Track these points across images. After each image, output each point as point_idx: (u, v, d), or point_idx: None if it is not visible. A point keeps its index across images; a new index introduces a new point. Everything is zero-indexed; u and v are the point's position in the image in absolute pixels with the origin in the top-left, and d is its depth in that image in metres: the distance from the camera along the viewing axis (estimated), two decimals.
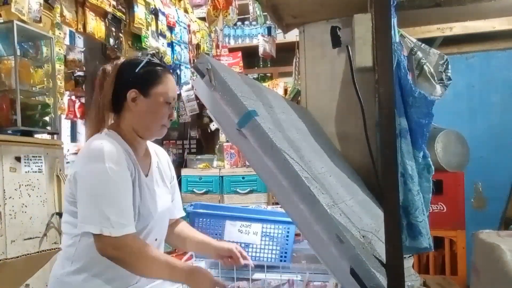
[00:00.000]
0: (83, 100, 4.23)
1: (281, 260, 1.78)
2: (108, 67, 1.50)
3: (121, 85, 1.45)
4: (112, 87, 1.45)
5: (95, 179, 1.34)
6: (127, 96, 1.44)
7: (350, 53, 1.83)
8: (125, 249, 1.31)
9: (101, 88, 1.48)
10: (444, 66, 1.82)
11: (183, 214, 1.74)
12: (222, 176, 4.41)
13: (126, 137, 1.46)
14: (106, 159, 1.34)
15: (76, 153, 3.95)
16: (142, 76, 1.45)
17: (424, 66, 1.80)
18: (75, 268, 1.40)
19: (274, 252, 1.78)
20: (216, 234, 1.81)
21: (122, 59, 1.54)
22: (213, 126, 4.99)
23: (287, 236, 1.79)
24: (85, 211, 1.34)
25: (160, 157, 1.63)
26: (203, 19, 4.77)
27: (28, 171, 2.55)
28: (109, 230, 1.29)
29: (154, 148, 1.63)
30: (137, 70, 1.44)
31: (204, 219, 1.83)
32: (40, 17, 2.77)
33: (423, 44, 1.87)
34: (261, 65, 5.53)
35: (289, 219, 1.82)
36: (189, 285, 1.39)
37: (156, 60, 1.50)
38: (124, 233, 1.30)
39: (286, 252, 1.79)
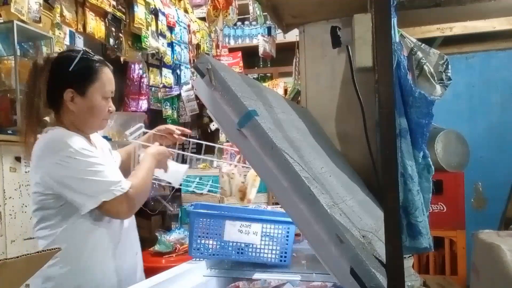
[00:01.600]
0: None
1: (280, 260, 1.78)
2: (40, 61, 1.48)
3: (56, 83, 1.45)
4: (46, 85, 1.45)
5: (75, 163, 1.38)
6: (64, 96, 1.44)
7: (350, 53, 1.83)
8: (131, 195, 1.44)
9: (34, 84, 1.46)
10: (444, 66, 1.82)
11: None
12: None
13: (70, 130, 1.48)
14: (68, 143, 1.38)
15: None
16: (77, 74, 1.44)
17: (424, 66, 1.80)
18: (55, 261, 1.43)
19: (274, 252, 1.78)
20: (216, 234, 1.81)
21: (54, 54, 1.53)
22: (213, 126, 4.99)
23: (287, 236, 1.79)
24: (86, 190, 1.39)
25: (104, 147, 1.70)
26: (203, 19, 4.77)
27: (28, 171, 2.54)
28: (118, 189, 1.40)
29: (96, 139, 1.67)
30: (70, 69, 1.43)
31: (204, 219, 1.83)
32: (40, 17, 2.77)
33: (423, 44, 1.87)
34: (261, 65, 5.53)
35: (289, 219, 1.82)
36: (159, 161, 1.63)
37: (89, 56, 1.49)
38: (129, 186, 1.44)
39: (286, 252, 1.79)
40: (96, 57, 1.52)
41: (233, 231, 1.81)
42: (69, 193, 1.39)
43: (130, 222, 1.65)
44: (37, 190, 1.42)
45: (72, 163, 1.38)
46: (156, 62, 4.52)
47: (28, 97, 1.48)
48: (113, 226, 1.52)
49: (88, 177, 1.39)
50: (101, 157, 1.50)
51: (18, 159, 2.49)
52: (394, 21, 1.61)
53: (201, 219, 1.83)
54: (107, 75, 1.50)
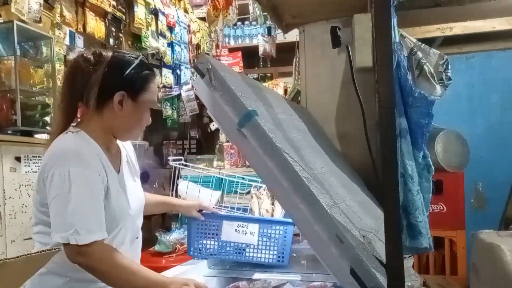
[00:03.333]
0: None
1: (278, 261, 1.78)
2: (89, 56, 1.39)
3: (108, 83, 1.36)
4: (98, 85, 1.35)
5: (60, 184, 1.27)
6: (114, 97, 1.36)
7: (350, 53, 1.83)
8: (94, 256, 1.25)
9: (78, 77, 1.37)
10: (444, 66, 1.82)
11: None
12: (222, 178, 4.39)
13: (98, 137, 1.39)
14: (70, 162, 1.28)
15: None
16: (133, 79, 1.39)
17: (424, 66, 1.80)
18: (52, 272, 1.36)
19: (272, 252, 1.78)
20: (213, 234, 1.81)
21: (108, 52, 1.42)
22: (213, 126, 4.98)
23: (285, 236, 1.79)
24: (53, 220, 1.28)
25: (128, 151, 1.59)
26: (203, 19, 4.77)
27: (28, 171, 2.54)
28: (74, 237, 1.23)
29: (120, 142, 1.56)
30: (127, 72, 1.37)
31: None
32: (40, 17, 2.77)
33: (423, 44, 1.86)
34: (261, 65, 5.53)
35: (286, 220, 1.82)
36: None
37: (146, 62, 1.46)
38: (91, 240, 1.24)
39: (283, 253, 1.78)
40: (152, 65, 1.52)
41: (231, 231, 1.81)
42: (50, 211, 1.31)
43: (140, 238, 1.55)
44: (38, 191, 1.37)
45: (60, 183, 1.27)
46: (156, 62, 4.52)
47: (67, 95, 1.40)
48: (115, 243, 1.41)
49: (63, 206, 1.26)
50: (94, 183, 1.32)
51: (18, 159, 2.48)
52: (394, 21, 1.61)
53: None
54: (156, 86, 1.46)
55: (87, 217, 1.27)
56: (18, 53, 2.66)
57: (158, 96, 4.67)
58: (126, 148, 1.58)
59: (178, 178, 2.23)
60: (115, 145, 1.49)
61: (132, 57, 1.42)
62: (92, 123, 1.40)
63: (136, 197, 1.51)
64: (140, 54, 1.47)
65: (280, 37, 4.79)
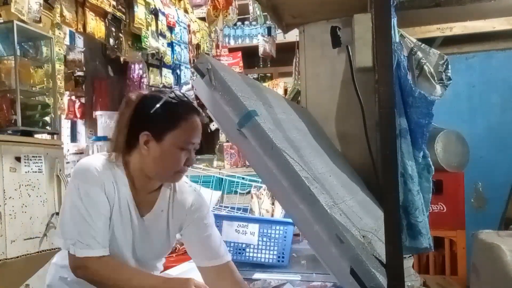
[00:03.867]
0: (83, 100, 4.24)
1: (278, 261, 1.78)
2: (133, 97, 1.37)
3: (135, 124, 1.34)
4: (127, 125, 1.34)
5: (70, 195, 1.32)
6: (139, 138, 1.32)
7: (350, 53, 1.83)
8: (89, 269, 1.28)
9: (121, 117, 1.37)
10: (444, 66, 1.82)
11: (228, 258, 1.51)
12: (222, 178, 4.40)
13: (131, 173, 1.37)
14: (83, 177, 1.31)
15: (76, 153, 3.95)
16: (157, 117, 1.31)
17: (424, 66, 1.80)
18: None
19: (272, 252, 1.78)
20: None
21: (145, 91, 1.41)
22: (213, 126, 4.98)
23: (285, 236, 1.79)
24: (60, 224, 1.34)
25: (178, 202, 1.47)
26: (203, 19, 4.77)
27: (28, 171, 2.54)
28: (73, 248, 1.27)
29: (180, 192, 1.47)
30: (152, 111, 1.30)
31: None
32: (40, 17, 2.77)
33: (423, 44, 1.87)
34: (261, 65, 5.53)
35: (286, 220, 1.82)
36: None
37: (177, 99, 1.35)
38: (87, 255, 1.27)
39: (283, 253, 1.78)
40: (186, 102, 1.37)
41: (231, 231, 1.81)
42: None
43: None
44: None
45: (74, 194, 1.30)
46: (156, 62, 4.52)
47: (116, 127, 1.39)
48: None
49: (72, 215, 1.30)
50: (99, 203, 1.32)
51: (18, 159, 2.48)
52: (394, 21, 1.61)
53: None
54: (191, 124, 1.33)
55: (87, 231, 1.29)
56: (18, 53, 2.66)
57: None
58: (178, 201, 1.47)
59: None
60: (150, 187, 1.41)
61: (161, 95, 1.35)
62: (132, 158, 1.38)
63: (150, 248, 1.45)
64: (173, 90, 1.38)
65: (280, 37, 4.80)
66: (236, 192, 2.35)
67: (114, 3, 3.42)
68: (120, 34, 3.60)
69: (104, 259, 1.30)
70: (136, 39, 3.77)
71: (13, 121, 2.64)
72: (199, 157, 4.77)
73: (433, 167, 1.73)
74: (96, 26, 3.31)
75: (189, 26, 4.54)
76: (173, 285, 1.32)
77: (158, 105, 1.31)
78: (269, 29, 5.02)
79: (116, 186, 1.34)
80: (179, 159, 1.32)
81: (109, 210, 1.33)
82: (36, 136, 2.81)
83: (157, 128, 1.31)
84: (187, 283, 1.30)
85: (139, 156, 1.35)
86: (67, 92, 3.86)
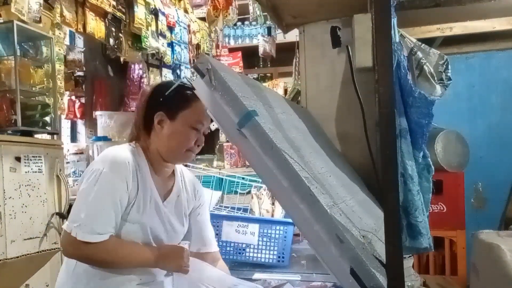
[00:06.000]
0: (83, 100, 4.24)
1: (278, 261, 1.78)
2: (148, 89, 1.54)
3: (151, 107, 1.48)
4: (144, 109, 1.49)
5: (87, 178, 1.37)
6: (154, 119, 1.46)
7: (350, 53, 1.83)
8: (82, 252, 1.33)
9: (139, 105, 1.55)
10: (444, 66, 1.82)
11: (216, 248, 1.64)
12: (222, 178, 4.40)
13: (150, 156, 1.48)
14: (105, 163, 1.37)
15: (76, 153, 3.95)
16: (171, 99, 1.45)
17: (424, 66, 1.80)
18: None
19: (272, 252, 1.78)
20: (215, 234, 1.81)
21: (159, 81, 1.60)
22: (213, 126, 4.96)
23: (285, 236, 1.79)
24: (72, 208, 1.38)
25: (188, 187, 1.60)
26: (203, 19, 4.77)
27: (28, 171, 2.54)
28: (76, 230, 1.31)
29: (187, 178, 1.62)
30: (167, 93, 1.43)
31: None
32: (40, 17, 2.76)
33: (423, 44, 1.87)
34: (261, 65, 5.53)
35: (286, 220, 1.82)
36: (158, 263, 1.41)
37: (188, 85, 1.46)
38: (88, 240, 1.31)
39: (283, 253, 1.78)
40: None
41: (231, 231, 1.81)
42: None
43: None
44: None
45: (90, 179, 1.36)
46: (156, 62, 4.52)
47: (134, 119, 1.54)
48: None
49: (82, 199, 1.35)
50: (116, 190, 1.37)
51: (18, 159, 2.48)
52: (394, 21, 1.61)
53: None
54: (199, 107, 1.43)
55: (95, 216, 1.33)
56: (18, 53, 2.66)
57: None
58: (187, 185, 1.60)
59: None
60: (167, 171, 1.53)
61: (174, 81, 1.50)
62: (146, 144, 1.50)
63: (174, 232, 1.52)
64: (182, 79, 1.51)
65: (280, 37, 4.80)
66: (236, 192, 2.36)
67: (114, 3, 3.42)
68: (120, 34, 3.60)
69: (102, 243, 1.33)
70: (136, 39, 3.77)
71: (13, 121, 2.64)
72: (199, 157, 4.77)
73: (433, 167, 1.73)
74: (96, 26, 3.31)
75: (189, 26, 4.53)
76: (167, 252, 1.41)
77: (172, 88, 1.42)
78: (269, 29, 5.02)
79: (140, 175, 1.43)
80: (190, 137, 1.45)
81: (127, 201, 1.39)
82: (36, 136, 2.81)
83: (170, 108, 1.45)
84: (181, 252, 1.41)
85: (154, 137, 1.47)
86: (67, 92, 3.86)
